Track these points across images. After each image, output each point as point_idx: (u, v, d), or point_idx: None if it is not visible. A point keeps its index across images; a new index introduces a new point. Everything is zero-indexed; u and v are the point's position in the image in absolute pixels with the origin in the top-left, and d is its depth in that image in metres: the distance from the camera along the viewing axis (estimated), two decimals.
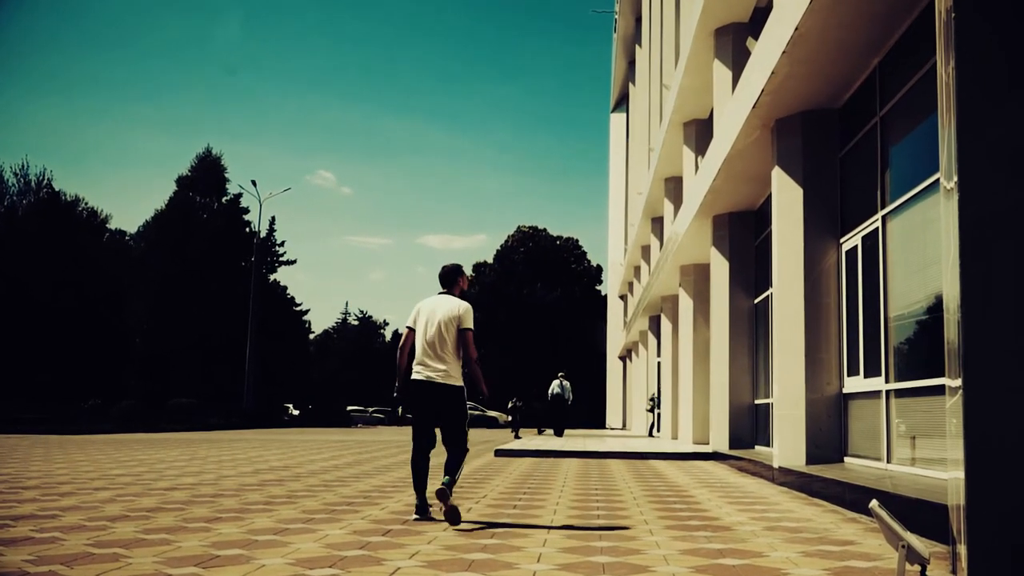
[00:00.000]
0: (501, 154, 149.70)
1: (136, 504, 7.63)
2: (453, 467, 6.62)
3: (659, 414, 28.95)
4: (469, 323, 6.75)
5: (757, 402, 16.35)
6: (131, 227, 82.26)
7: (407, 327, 6.91)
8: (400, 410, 6.81)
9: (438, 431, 6.85)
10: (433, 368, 6.68)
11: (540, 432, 32.33)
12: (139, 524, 6.32)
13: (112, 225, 62.70)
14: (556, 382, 29.48)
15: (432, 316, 6.77)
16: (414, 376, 6.74)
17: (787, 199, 11.86)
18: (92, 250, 56.01)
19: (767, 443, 15.06)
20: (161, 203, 61.79)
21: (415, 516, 6.77)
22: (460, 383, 6.73)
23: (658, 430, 28.96)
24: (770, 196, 13.19)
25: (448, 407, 6.70)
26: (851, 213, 11.22)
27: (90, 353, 53.82)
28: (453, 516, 6.43)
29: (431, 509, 6.97)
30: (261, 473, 11.56)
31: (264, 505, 7.71)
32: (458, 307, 6.78)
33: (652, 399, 30.35)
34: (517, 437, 29.28)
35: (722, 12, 16.92)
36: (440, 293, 7.00)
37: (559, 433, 29.20)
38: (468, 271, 79.67)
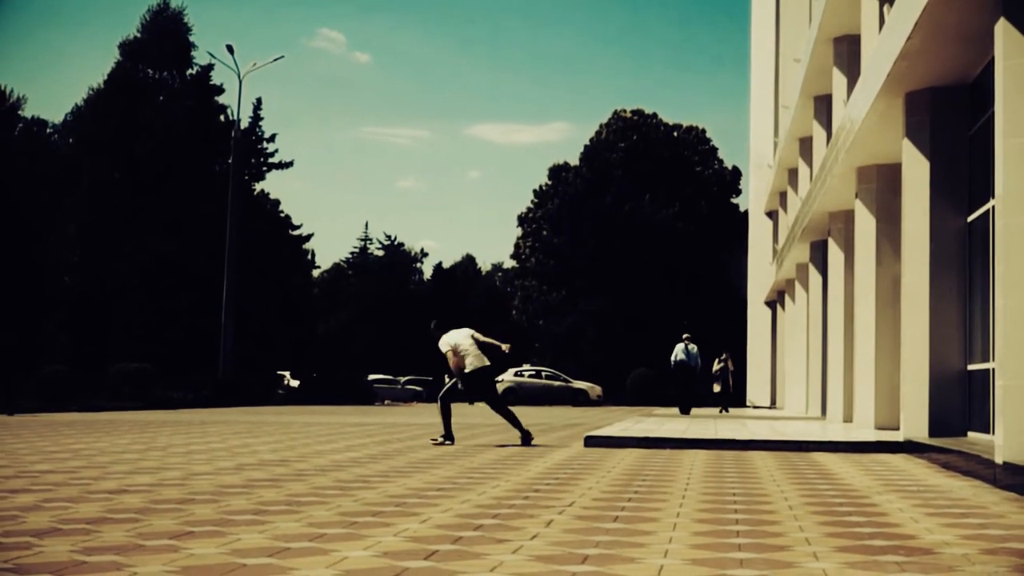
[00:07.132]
0: (589, 6, 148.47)
1: (71, 513, 7.82)
2: (514, 422, 16.86)
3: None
4: (481, 338, 16.76)
5: (971, 368, 16.24)
6: (55, 115, 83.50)
7: (451, 346, 16.47)
8: (455, 381, 16.41)
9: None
10: (480, 359, 16.52)
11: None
12: (76, 541, 6.48)
13: (28, 112, 63.63)
14: (680, 346, 30.46)
15: (467, 336, 16.73)
16: (471, 368, 16.47)
17: (1019, 67, 11.62)
18: None
19: (986, 428, 14.96)
20: (98, 80, 62.51)
21: (439, 441, 16.78)
22: (488, 364, 16.76)
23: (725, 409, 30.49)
24: (991, 62, 12.94)
25: (488, 379, 16.84)
26: None
27: None
28: (527, 439, 16.85)
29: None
30: (247, 470, 11.77)
31: (253, 515, 7.85)
32: (474, 332, 16.93)
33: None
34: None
35: None
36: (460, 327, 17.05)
37: (685, 411, 29.95)
38: (543, 176, 79.50)
